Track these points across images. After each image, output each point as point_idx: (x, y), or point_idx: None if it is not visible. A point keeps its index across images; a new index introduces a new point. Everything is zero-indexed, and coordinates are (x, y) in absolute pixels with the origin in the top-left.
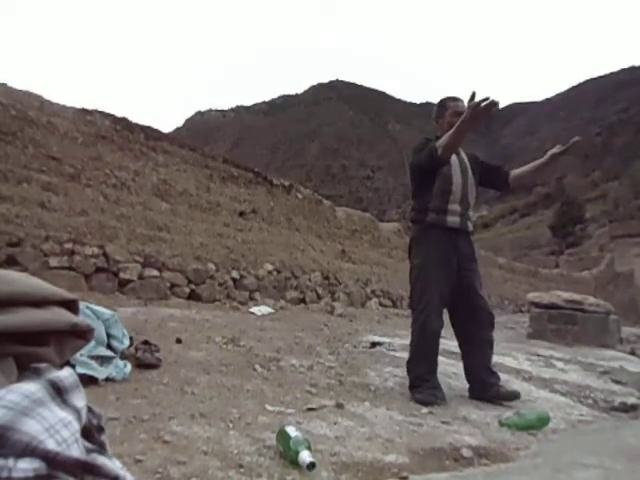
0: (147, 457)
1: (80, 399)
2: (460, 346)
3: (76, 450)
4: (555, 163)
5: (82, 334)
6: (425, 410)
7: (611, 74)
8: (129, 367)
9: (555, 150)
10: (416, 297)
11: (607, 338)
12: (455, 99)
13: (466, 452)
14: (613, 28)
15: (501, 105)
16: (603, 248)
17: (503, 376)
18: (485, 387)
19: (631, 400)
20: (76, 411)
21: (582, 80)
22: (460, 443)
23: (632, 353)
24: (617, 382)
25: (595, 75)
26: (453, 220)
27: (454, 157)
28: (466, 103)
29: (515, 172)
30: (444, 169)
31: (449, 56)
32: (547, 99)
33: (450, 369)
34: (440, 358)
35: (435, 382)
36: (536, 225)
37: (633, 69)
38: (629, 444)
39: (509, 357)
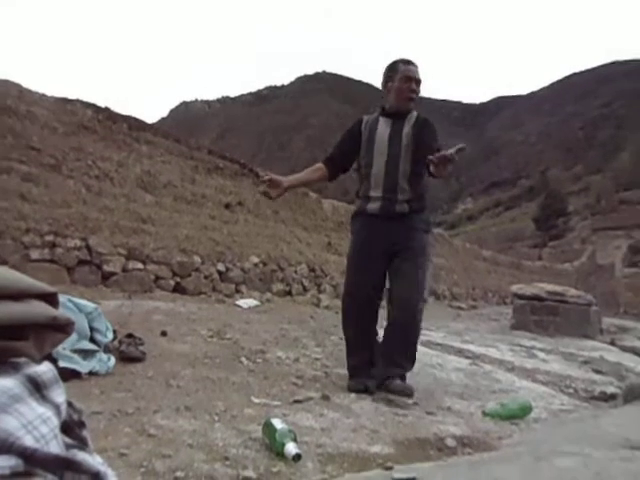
0: (132, 451)
1: (59, 394)
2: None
3: (55, 446)
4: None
5: (62, 328)
6: (410, 401)
7: (594, 68)
8: (113, 361)
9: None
10: (345, 288)
11: (588, 329)
12: (408, 62)
13: (450, 442)
14: (597, 23)
15: (487, 98)
16: (585, 241)
17: (486, 366)
18: (380, 376)
19: (610, 389)
20: (55, 406)
21: (566, 74)
22: (444, 433)
23: (612, 343)
24: (597, 372)
25: (579, 69)
26: (373, 207)
27: (383, 130)
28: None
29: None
30: (364, 153)
31: (434, 49)
32: (532, 92)
33: (435, 360)
34: (424, 349)
35: (371, 372)
36: (520, 218)
37: (616, 64)
38: (608, 432)
39: (493, 348)
